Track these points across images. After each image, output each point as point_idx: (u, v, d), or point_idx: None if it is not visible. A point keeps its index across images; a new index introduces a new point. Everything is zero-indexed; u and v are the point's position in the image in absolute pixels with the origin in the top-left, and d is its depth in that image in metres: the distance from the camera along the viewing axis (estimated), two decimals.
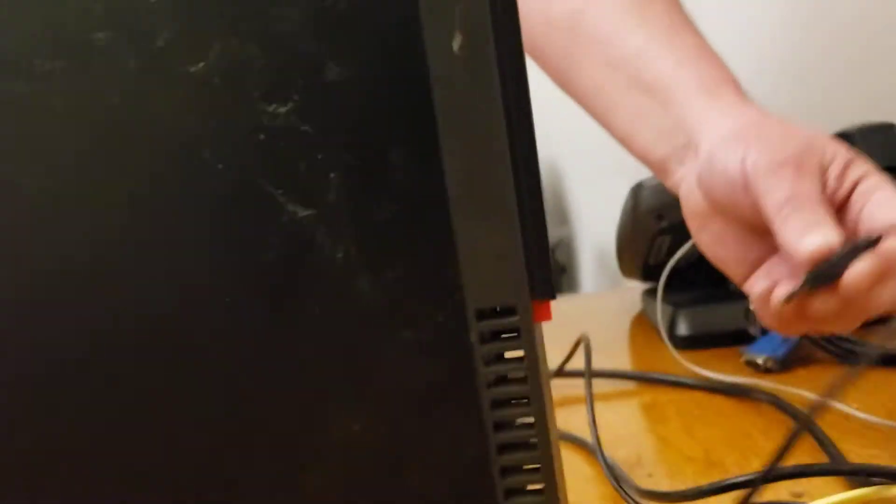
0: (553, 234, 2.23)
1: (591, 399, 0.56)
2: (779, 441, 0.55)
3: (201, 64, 0.22)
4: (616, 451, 0.57)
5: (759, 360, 0.66)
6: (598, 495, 0.51)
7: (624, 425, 0.60)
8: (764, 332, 0.70)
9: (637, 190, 0.78)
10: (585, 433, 0.58)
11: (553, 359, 0.82)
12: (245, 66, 0.22)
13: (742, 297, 0.76)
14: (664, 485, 0.51)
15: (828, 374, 0.64)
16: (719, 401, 0.63)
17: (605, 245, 2.12)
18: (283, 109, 0.22)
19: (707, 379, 0.66)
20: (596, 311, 0.91)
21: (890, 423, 0.54)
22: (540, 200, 0.22)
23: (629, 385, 0.68)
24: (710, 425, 0.59)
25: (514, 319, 0.23)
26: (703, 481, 0.52)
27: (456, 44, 0.21)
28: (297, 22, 0.22)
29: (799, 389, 0.60)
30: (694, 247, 0.80)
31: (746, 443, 0.55)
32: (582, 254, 2.26)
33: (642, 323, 0.86)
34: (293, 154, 0.22)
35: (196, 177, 0.22)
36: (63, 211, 0.23)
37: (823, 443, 0.52)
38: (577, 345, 0.65)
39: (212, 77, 0.22)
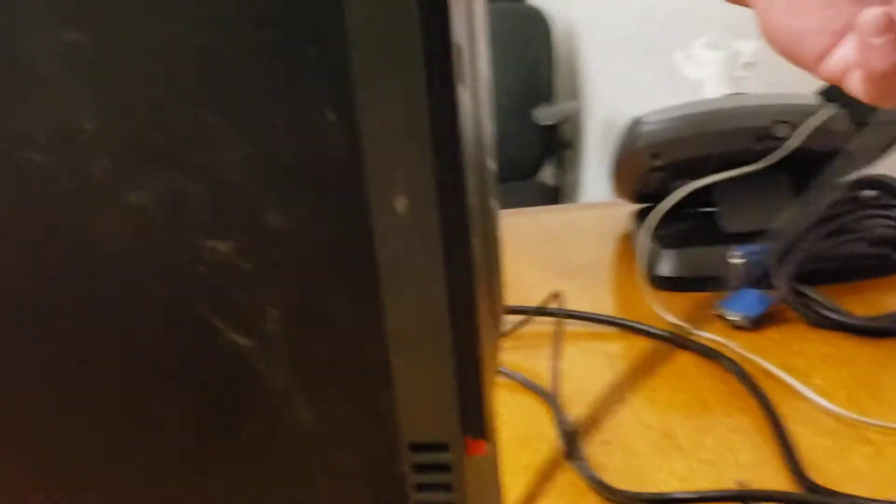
0: (563, 108, 2.19)
1: (556, 368, 0.58)
2: (737, 417, 0.57)
3: (139, 194, 0.21)
4: (578, 408, 0.59)
5: (732, 318, 0.67)
6: (548, 458, 0.54)
7: (589, 378, 0.62)
8: (742, 286, 0.71)
9: (635, 125, 0.76)
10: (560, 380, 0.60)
11: (537, 280, 0.83)
12: (184, 202, 0.21)
13: (728, 240, 0.76)
14: (617, 456, 0.53)
15: (797, 339, 0.65)
16: (686, 358, 0.64)
17: (613, 121, 2.08)
18: (222, 246, 0.22)
19: (678, 330, 0.67)
20: (584, 227, 0.91)
21: (845, 412, 0.55)
22: (477, 349, 0.22)
23: (603, 327, 0.69)
24: (672, 389, 0.60)
25: (445, 455, 0.23)
26: (654, 455, 0.54)
27: (400, 205, 0.21)
28: (237, 165, 0.21)
29: (765, 361, 0.61)
30: (687, 185, 0.79)
31: (704, 415, 0.57)
32: (590, 129, 2.23)
33: (628, 246, 0.86)
34: (232, 287, 0.22)
35: (136, 300, 0.22)
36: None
37: (782, 435, 0.53)
38: (553, 296, 0.66)
39: (150, 208, 0.22)
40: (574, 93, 2.32)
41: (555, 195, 2.34)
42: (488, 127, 0.27)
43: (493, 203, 0.27)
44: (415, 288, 0.21)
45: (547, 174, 2.40)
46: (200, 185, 0.21)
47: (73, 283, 0.22)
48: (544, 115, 2.13)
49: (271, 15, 0.19)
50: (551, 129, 2.20)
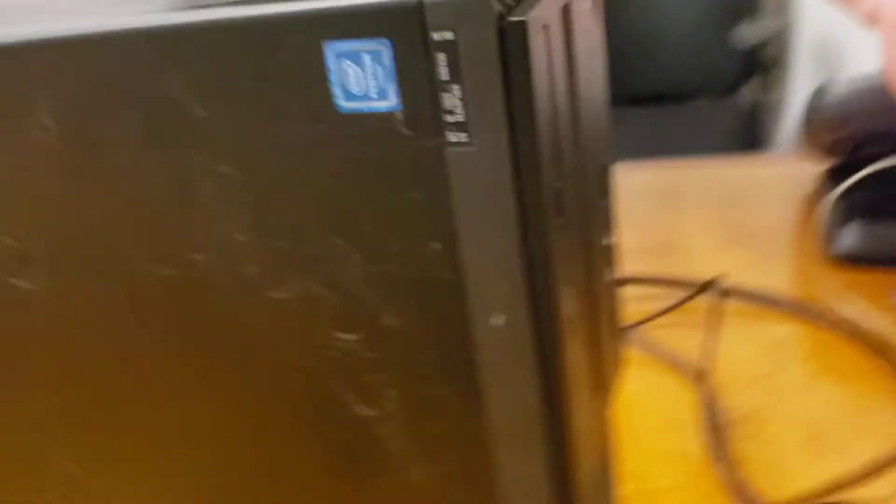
0: (766, 26, 2.05)
1: (710, 351, 0.58)
2: None
3: (283, 293, 0.25)
4: (730, 398, 0.59)
5: None
6: (689, 448, 0.55)
7: (747, 364, 0.62)
8: None
9: (820, 91, 0.73)
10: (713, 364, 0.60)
11: (709, 246, 0.82)
12: (318, 301, 0.25)
13: None
14: (763, 453, 0.54)
15: None
16: (853, 350, 0.62)
17: (824, 41, 1.93)
18: (349, 339, 0.25)
19: (850, 317, 0.65)
20: (769, 185, 0.88)
21: None
22: (569, 442, 0.25)
23: (769, 306, 0.68)
24: (834, 383, 0.59)
25: None
26: (803, 455, 0.54)
27: (497, 320, 0.23)
28: (359, 277, 0.24)
29: None
30: (879, 160, 0.75)
31: (862, 417, 0.56)
32: (797, 48, 2.08)
33: (811, 211, 0.83)
34: (359, 370, 0.26)
35: (280, 377, 0.27)
36: (159, 397, 0.28)
37: None
38: (709, 282, 0.66)
39: (291, 304, 0.25)
40: (782, 9, 2.17)
41: (754, 118, 2.22)
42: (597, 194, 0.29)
43: (609, 273, 0.29)
44: (509, 390, 0.24)
45: (747, 93, 2.28)
46: (330, 290, 0.25)
47: (227, 362, 0.27)
48: (745, 35, 2.01)
49: (389, 168, 0.22)
50: (753, 48, 2.08)
